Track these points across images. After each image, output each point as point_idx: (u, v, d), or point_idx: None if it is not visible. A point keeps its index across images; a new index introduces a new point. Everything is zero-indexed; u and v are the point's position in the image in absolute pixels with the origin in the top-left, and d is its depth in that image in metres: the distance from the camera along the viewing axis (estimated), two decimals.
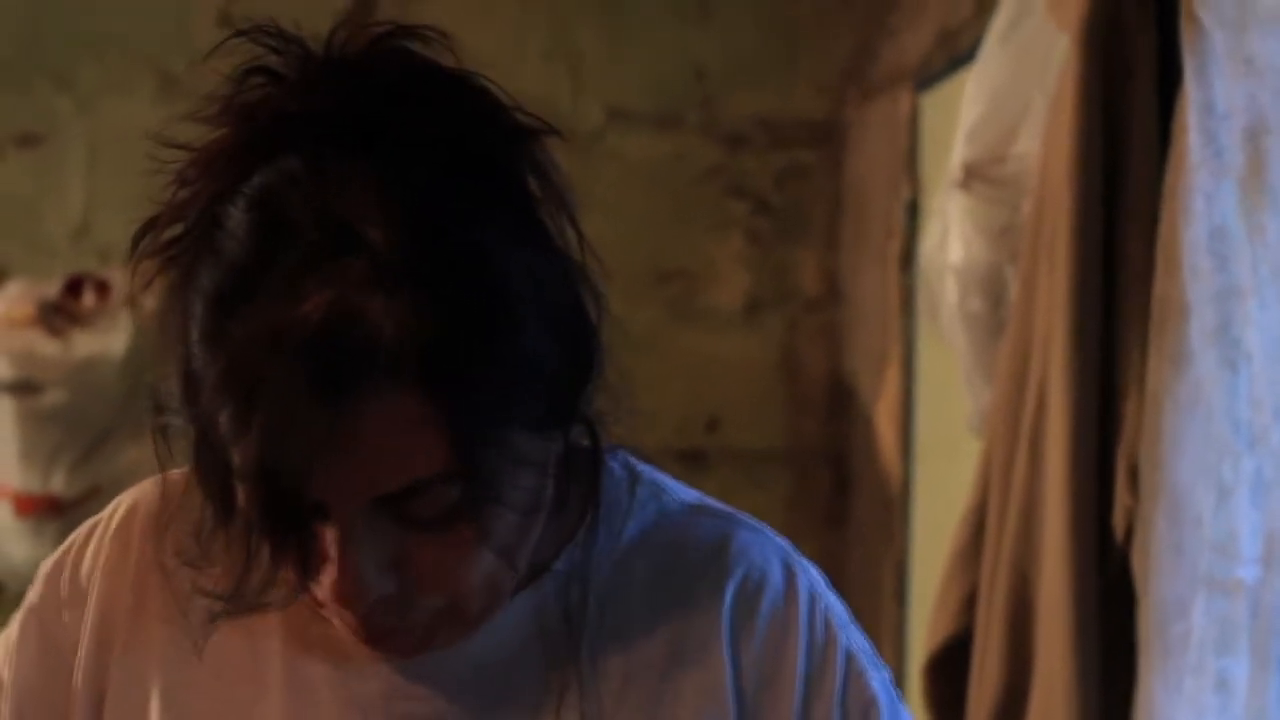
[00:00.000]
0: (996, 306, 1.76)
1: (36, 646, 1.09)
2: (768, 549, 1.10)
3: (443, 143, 0.94)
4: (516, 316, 0.93)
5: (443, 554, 0.95)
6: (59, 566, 1.10)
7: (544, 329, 0.94)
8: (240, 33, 0.95)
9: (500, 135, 0.96)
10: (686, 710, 1.05)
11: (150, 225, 0.95)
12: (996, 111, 1.71)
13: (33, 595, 1.10)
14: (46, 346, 2.81)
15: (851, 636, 1.10)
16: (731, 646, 1.07)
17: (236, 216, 0.91)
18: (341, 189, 0.90)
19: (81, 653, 1.07)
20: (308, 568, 0.95)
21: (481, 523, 0.95)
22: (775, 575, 1.09)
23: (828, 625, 1.09)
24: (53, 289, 2.88)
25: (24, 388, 2.80)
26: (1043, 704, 1.44)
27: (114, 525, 1.09)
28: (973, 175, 1.74)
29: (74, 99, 3.24)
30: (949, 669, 1.60)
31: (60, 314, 2.84)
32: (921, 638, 1.80)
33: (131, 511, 1.08)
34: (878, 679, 1.10)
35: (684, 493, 1.13)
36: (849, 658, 1.09)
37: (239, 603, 1.00)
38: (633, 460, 1.12)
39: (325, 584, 0.95)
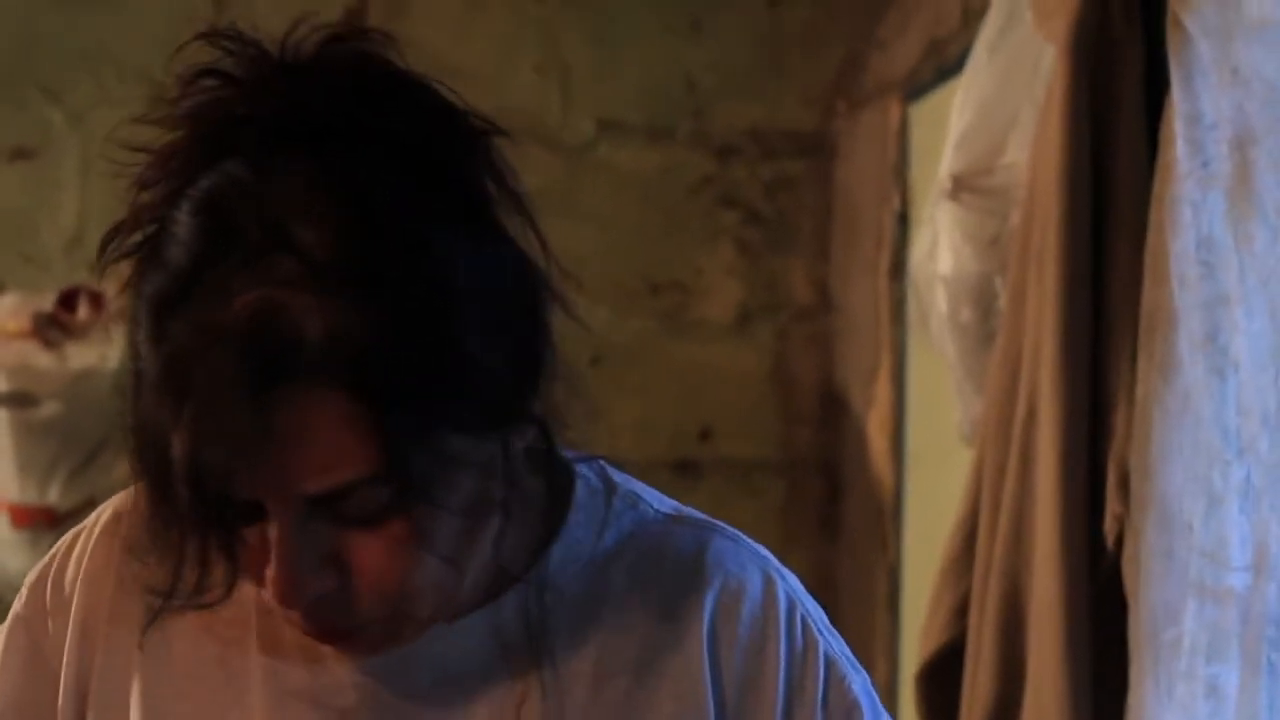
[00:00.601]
0: (986, 316, 1.77)
1: (23, 656, 1.09)
2: (745, 557, 1.11)
3: (389, 142, 0.94)
4: (455, 318, 0.92)
5: (381, 554, 0.95)
6: (43, 576, 1.11)
7: (485, 331, 0.94)
8: (200, 35, 0.96)
9: (449, 135, 0.96)
10: (662, 717, 1.06)
11: (115, 231, 0.96)
12: (985, 122, 1.72)
13: (18, 605, 1.11)
14: (41, 359, 2.81)
15: (831, 642, 1.10)
16: (711, 655, 1.07)
17: (181, 220, 0.92)
18: (281, 189, 0.91)
19: (65, 661, 1.08)
20: (250, 566, 0.96)
21: (417, 523, 0.94)
22: (754, 583, 1.09)
23: (806, 631, 1.09)
24: (47, 302, 2.88)
25: (19, 400, 2.80)
26: (1035, 711, 1.44)
27: (96, 533, 1.10)
28: (961, 186, 1.75)
29: (66, 112, 3.24)
30: (942, 677, 1.60)
31: (55, 327, 2.84)
32: (914, 646, 1.80)
33: (114, 519, 1.09)
34: (858, 683, 1.10)
35: (661, 502, 1.13)
36: (829, 663, 1.09)
37: (175, 600, 1.00)
38: (609, 470, 1.12)
39: (267, 582, 0.95)
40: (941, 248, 1.81)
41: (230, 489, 0.92)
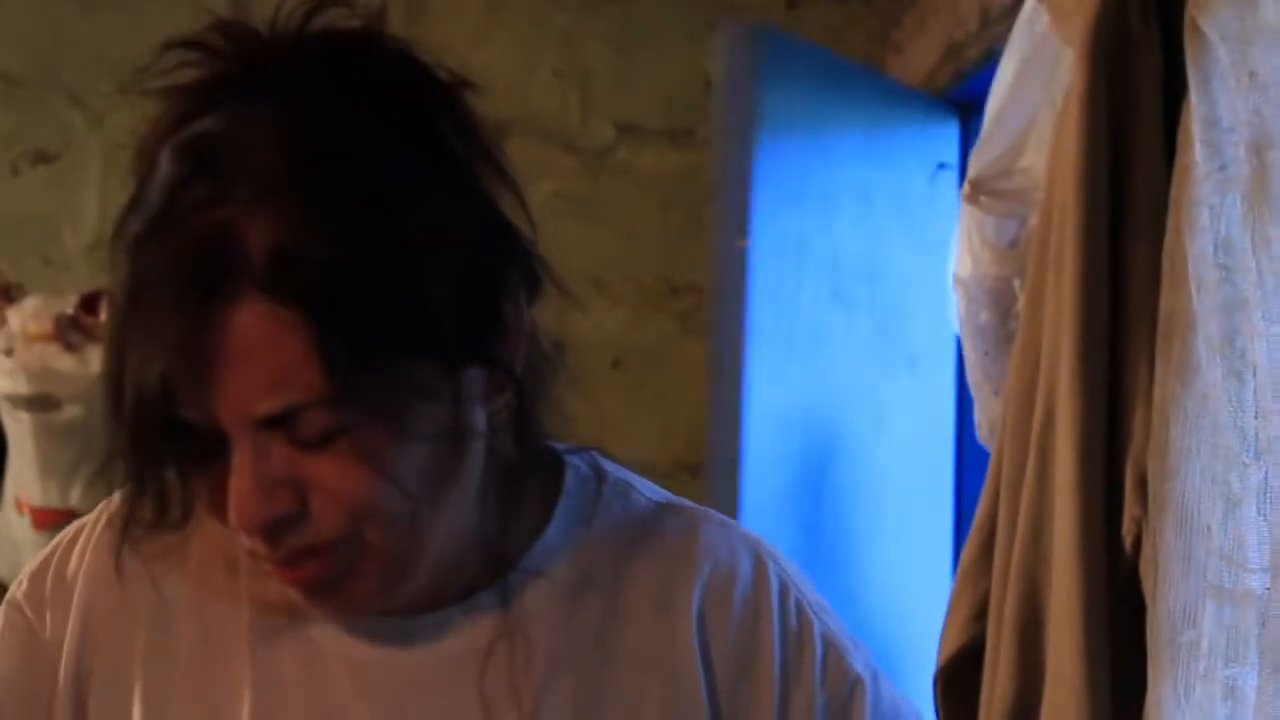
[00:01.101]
0: (1004, 318, 1.77)
1: (18, 639, 1.11)
2: (736, 542, 1.11)
3: (352, 90, 0.97)
4: (410, 246, 0.94)
5: (336, 475, 0.96)
6: (44, 565, 1.12)
7: (441, 264, 0.95)
8: (200, 36, 1.00)
9: (414, 85, 0.99)
10: (652, 704, 1.06)
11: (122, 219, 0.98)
12: (1002, 125, 1.73)
13: (17, 591, 1.12)
14: (63, 362, 2.82)
15: (827, 620, 1.11)
16: (701, 639, 1.08)
17: (160, 166, 0.96)
18: (247, 126, 0.95)
19: (65, 653, 1.09)
20: (214, 500, 0.97)
21: (371, 446, 0.95)
22: (744, 567, 1.10)
23: (800, 612, 1.10)
24: (69, 305, 2.89)
25: (41, 403, 2.81)
26: (1053, 712, 1.45)
27: (100, 527, 1.11)
28: (979, 188, 1.76)
29: (88, 116, 3.25)
30: (961, 678, 1.61)
31: (76, 330, 2.86)
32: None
33: (117, 513, 1.10)
34: (859, 659, 1.11)
35: (652, 491, 1.14)
36: (826, 643, 1.10)
37: (135, 526, 1.03)
38: (601, 460, 1.13)
39: (229, 508, 0.97)
40: (960, 250, 1.82)
41: (182, 409, 0.93)
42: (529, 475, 1.08)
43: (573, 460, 1.13)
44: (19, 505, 2.94)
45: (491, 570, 1.07)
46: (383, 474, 0.96)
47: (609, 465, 1.14)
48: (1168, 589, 1.37)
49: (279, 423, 0.94)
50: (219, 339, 0.91)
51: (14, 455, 3.03)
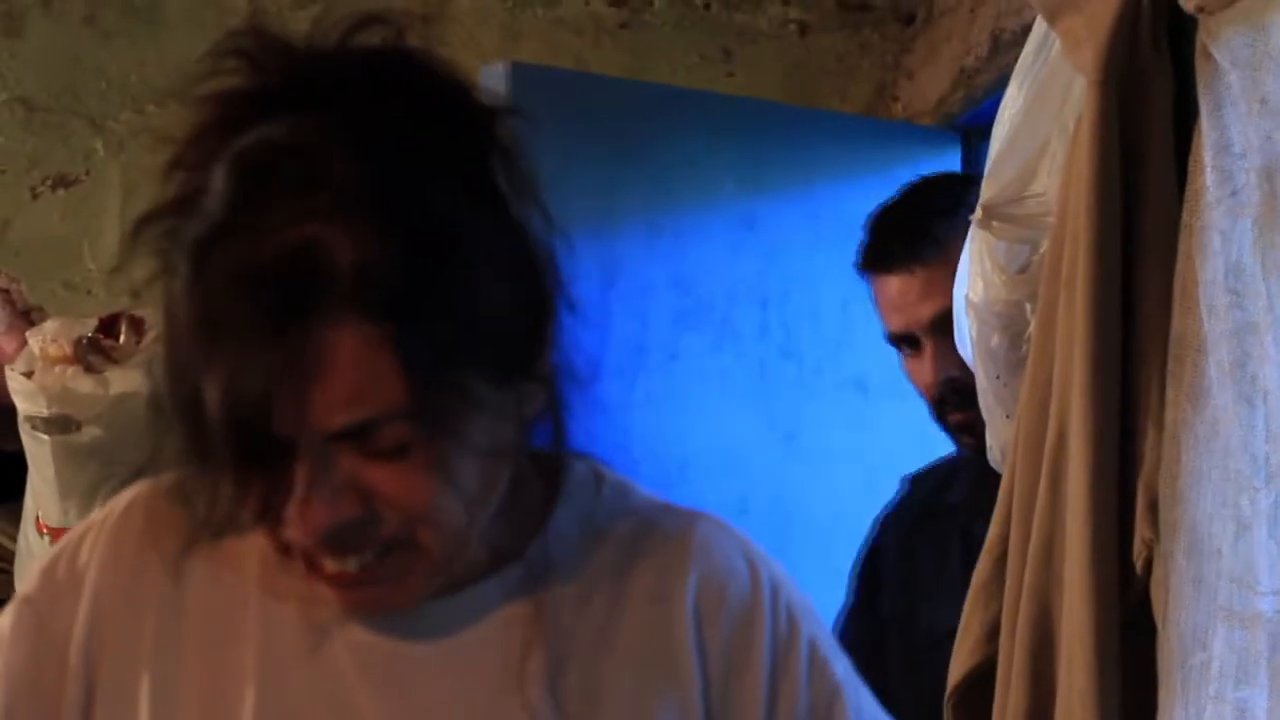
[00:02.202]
0: (1016, 343, 1.78)
1: (30, 636, 1.12)
2: (730, 543, 1.13)
3: (410, 113, 0.98)
4: (472, 265, 0.96)
5: (403, 483, 0.99)
6: (55, 560, 1.14)
7: (498, 283, 0.98)
8: (228, 38, 1.01)
9: (465, 112, 1.01)
10: (653, 695, 1.08)
11: (148, 217, 0.99)
12: (1014, 151, 1.74)
13: (28, 587, 1.14)
14: (83, 384, 2.83)
15: (813, 625, 1.13)
16: (697, 635, 1.09)
17: (217, 177, 0.96)
18: (313, 139, 0.95)
19: (74, 640, 1.10)
20: (272, 503, 0.98)
21: (439, 457, 0.98)
22: (739, 568, 1.12)
23: (790, 615, 1.12)
24: (89, 327, 2.90)
25: (61, 424, 2.82)
26: None
27: (111, 521, 1.13)
28: (991, 214, 1.77)
29: (108, 141, 3.28)
30: (972, 700, 1.61)
31: (96, 352, 2.87)
32: None
33: (129, 508, 1.12)
34: (841, 666, 1.13)
35: (649, 495, 1.16)
36: (812, 646, 1.12)
37: (211, 528, 1.04)
38: (600, 465, 1.15)
39: (290, 516, 0.98)
40: (972, 275, 1.83)
41: (264, 423, 0.94)
42: (534, 476, 1.10)
43: (575, 465, 1.15)
44: (39, 526, 2.95)
45: (496, 563, 1.08)
46: (446, 483, 0.98)
47: (608, 470, 1.16)
48: (1178, 611, 1.38)
49: (352, 434, 0.96)
50: (304, 354, 0.92)
51: (34, 476, 3.04)
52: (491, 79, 2.75)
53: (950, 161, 2.99)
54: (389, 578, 1.03)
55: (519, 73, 2.77)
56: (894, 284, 2.15)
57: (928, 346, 2.13)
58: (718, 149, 2.79)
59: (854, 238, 2.22)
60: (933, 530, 2.22)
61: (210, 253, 0.94)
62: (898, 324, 2.16)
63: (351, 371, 0.93)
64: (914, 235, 2.14)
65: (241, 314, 0.92)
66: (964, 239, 2.03)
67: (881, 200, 2.22)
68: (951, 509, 2.23)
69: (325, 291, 0.92)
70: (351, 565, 1.01)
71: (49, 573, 1.14)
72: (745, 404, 2.80)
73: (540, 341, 1.02)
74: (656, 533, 1.13)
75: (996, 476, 2.09)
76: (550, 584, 1.10)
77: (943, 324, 2.10)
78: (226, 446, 0.95)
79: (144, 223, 1.00)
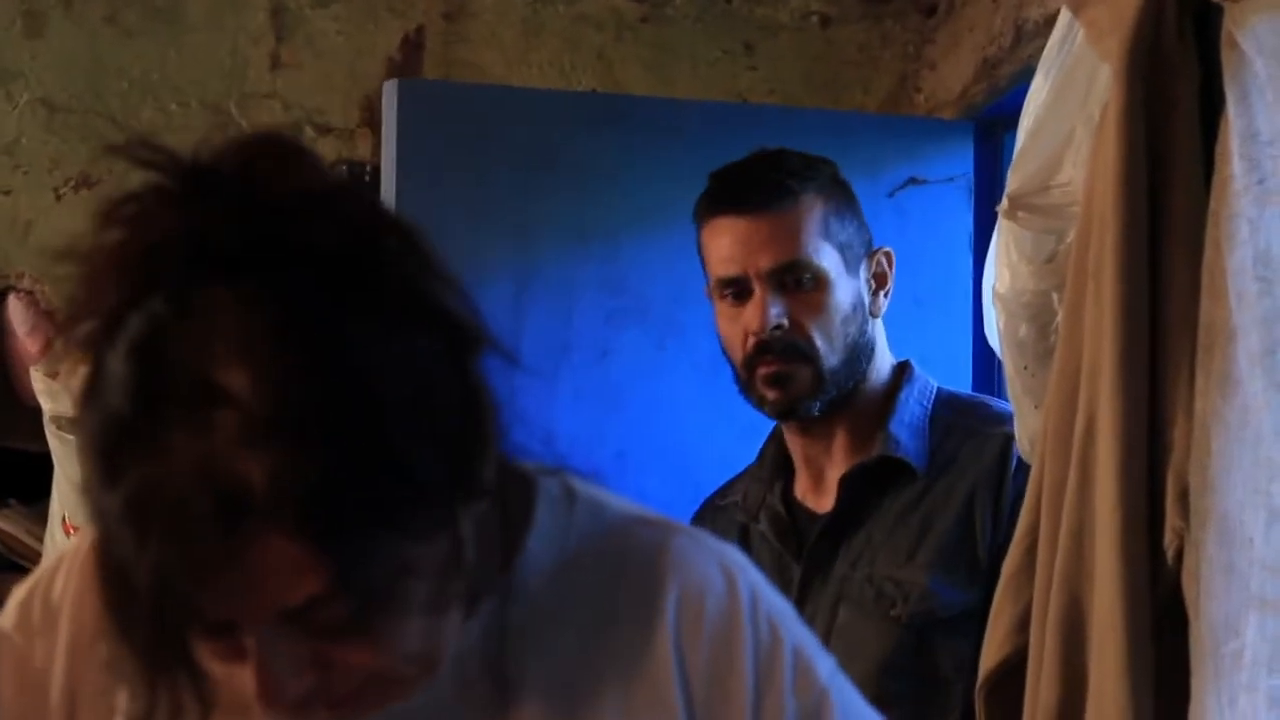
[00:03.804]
0: (1044, 333, 1.78)
1: (11, 667, 1.12)
2: (705, 555, 1.13)
3: (306, 261, 0.94)
4: (392, 439, 0.94)
5: (356, 653, 0.98)
6: (31, 594, 1.13)
7: (424, 443, 0.95)
8: (115, 149, 0.98)
9: (368, 242, 0.97)
10: (635, 715, 1.07)
11: (64, 324, 0.97)
12: (1040, 141, 1.73)
13: (6, 620, 1.13)
14: None
15: (795, 632, 1.12)
16: (677, 652, 1.09)
17: (115, 365, 0.93)
18: (206, 334, 0.92)
19: (54, 680, 1.10)
20: (233, 664, 0.98)
21: (381, 630, 0.98)
22: (716, 580, 1.11)
23: (771, 624, 1.11)
24: None
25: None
26: None
27: (82, 555, 1.12)
28: (1017, 204, 1.76)
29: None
30: (1004, 690, 1.61)
31: None
32: None
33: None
34: (825, 669, 1.12)
35: (623, 507, 1.15)
36: (795, 653, 1.11)
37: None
38: (572, 480, 1.14)
39: (248, 686, 0.97)
40: (999, 265, 1.83)
41: (195, 620, 0.95)
42: (503, 504, 1.09)
43: (544, 483, 1.14)
44: (65, 527, 2.96)
45: (470, 596, 1.08)
46: (398, 648, 0.99)
47: (580, 485, 1.15)
48: (1210, 600, 1.38)
49: (293, 614, 0.96)
50: (233, 561, 0.92)
51: (60, 477, 3.05)
52: (387, 96, 2.81)
53: (965, 156, 3.00)
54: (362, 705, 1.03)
55: (409, 90, 2.82)
56: (741, 227, 2.14)
57: (759, 292, 2.14)
58: (654, 151, 2.82)
59: None
60: (723, 524, 2.26)
61: (117, 459, 0.92)
62: (733, 269, 2.15)
63: (276, 570, 0.93)
64: (768, 184, 2.16)
65: (160, 531, 0.91)
66: (811, 205, 2.15)
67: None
68: (726, 508, 2.30)
69: (240, 511, 0.91)
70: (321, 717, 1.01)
71: (25, 610, 1.13)
72: (693, 399, 2.84)
73: (480, 460, 1.00)
74: (631, 551, 1.12)
75: (774, 461, 2.21)
76: (526, 614, 1.09)
77: (778, 275, 2.13)
78: (156, 646, 0.95)
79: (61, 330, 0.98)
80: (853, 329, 2.16)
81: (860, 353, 2.18)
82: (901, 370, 2.23)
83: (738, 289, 2.17)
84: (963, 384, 2.89)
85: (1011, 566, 1.62)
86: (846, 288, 2.16)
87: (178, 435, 0.91)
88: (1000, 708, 1.62)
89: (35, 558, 3.16)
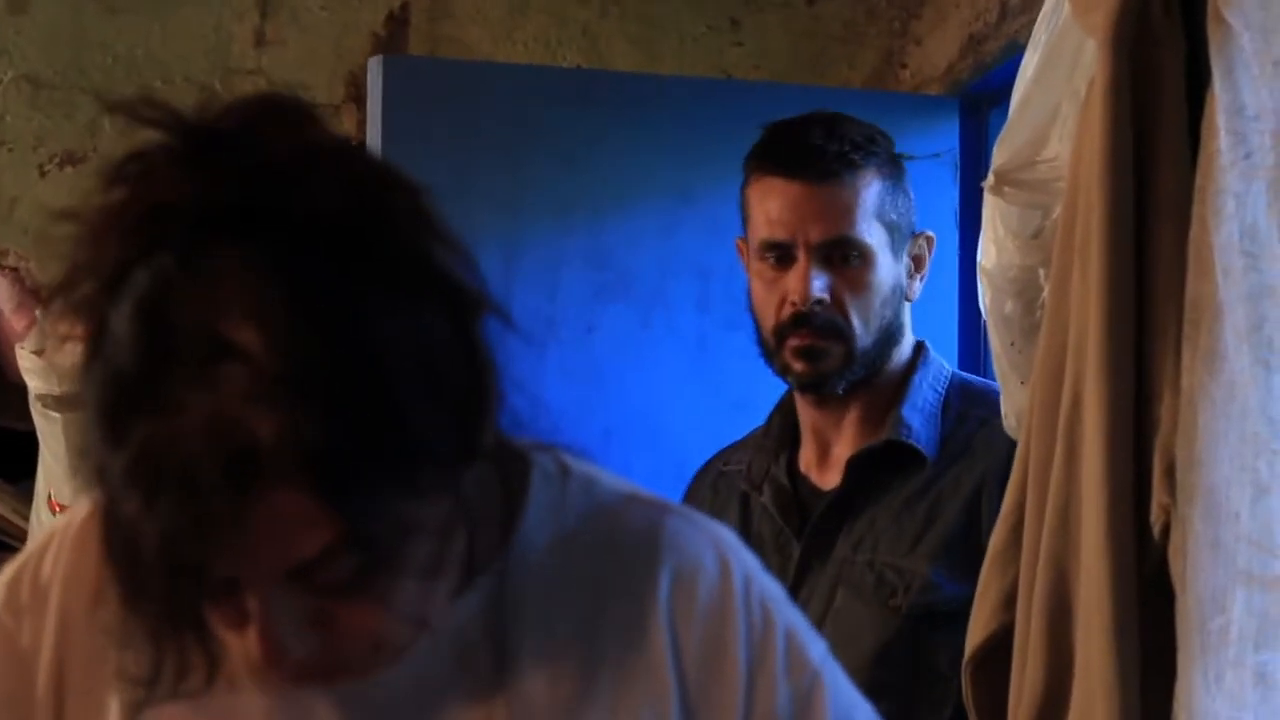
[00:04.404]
0: (1030, 309, 1.78)
1: (1, 651, 1.11)
2: (699, 536, 1.13)
3: (313, 221, 0.94)
4: (397, 396, 0.94)
5: (359, 613, 0.99)
6: (19, 574, 1.13)
7: (429, 403, 0.95)
8: (118, 107, 0.97)
9: (374, 203, 0.97)
10: (628, 693, 1.07)
11: (61, 287, 0.96)
12: (1026, 116, 1.73)
13: None
14: None
15: (788, 614, 1.12)
16: (671, 631, 1.09)
17: (120, 324, 0.92)
18: (215, 291, 0.91)
19: (43, 660, 1.10)
20: (235, 628, 0.98)
21: (386, 584, 0.98)
22: (709, 561, 1.11)
23: (764, 607, 1.11)
24: None
25: (73, 402, 2.83)
26: (1083, 699, 1.45)
27: (72, 533, 1.11)
28: (1003, 180, 1.76)
29: (115, 117, 3.27)
30: (990, 666, 1.61)
31: None
32: None
33: (90, 519, 1.10)
34: (817, 652, 1.12)
35: (618, 485, 1.15)
36: (788, 636, 1.11)
37: (157, 691, 1.02)
38: (565, 457, 1.14)
39: (251, 644, 0.98)
40: (985, 241, 1.83)
41: (202, 578, 0.94)
42: (497, 480, 1.09)
43: (538, 459, 1.14)
44: (51, 505, 2.96)
45: (464, 575, 1.08)
46: (398, 606, 0.99)
47: (574, 462, 1.15)
48: (1197, 576, 1.38)
49: (297, 573, 0.96)
50: (235, 520, 0.91)
51: (46, 455, 3.04)
52: (371, 73, 2.81)
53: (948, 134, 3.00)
54: (353, 672, 1.03)
55: (394, 66, 2.82)
56: (794, 191, 2.10)
57: (803, 262, 2.10)
58: (640, 127, 2.82)
59: None
60: (725, 490, 2.25)
61: (124, 414, 0.92)
62: (781, 233, 2.11)
63: (286, 527, 0.93)
64: (829, 153, 2.11)
65: (171, 488, 0.90)
66: (869, 181, 2.11)
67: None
68: (729, 475, 2.27)
69: (251, 469, 0.90)
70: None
71: (13, 588, 1.13)
72: (681, 375, 2.83)
73: (480, 431, 1.00)
74: (624, 529, 1.12)
75: (782, 432, 2.20)
76: (521, 594, 1.09)
77: (826, 249, 2.10)
78: (164, 604, 0.95)
79: (54, 295, 0.97)
80: (889, 311, 2.14)
81: (892, 335, 2.15)
82: (918, 352, 2.21)
83: (781, 254, 2.13)
84: (948, 359, 2.89)
85: (998, 543, 1.62)
86: (889, 268, 2.14)
87: (185, 391, 0.90)
88: (986, 684, 1.62)
89: (22, 537, 3.16)
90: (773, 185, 2.14)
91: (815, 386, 2.15)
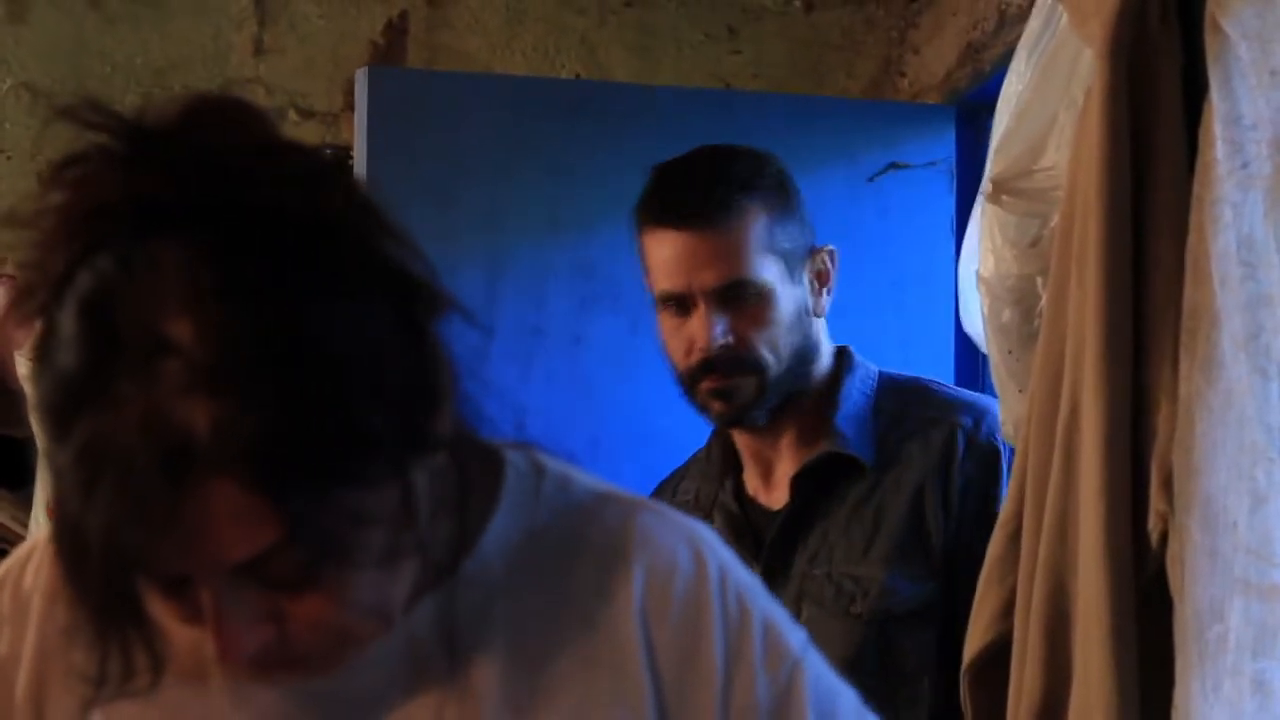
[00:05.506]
0: (1027, 317, 1.78)
1: None
2: (672, 532, 1.12)
3: (253, 216, 0.94)
4: (337, 388, 0.94)
5: (313, 607, 0.99)
6: (1, 583, 1.13)
7: (371, 392, 0.95)
8: (62, 112, 0.97)
9: (315, 197, 0.97)
10: (596, 691, 1.07)
11: (21, 293, 0.97)
12: (1024, 124, 1.73)
13: None
14: None
15: (764, 606, 1.12)
16: (644, 630, 1.08)
17: (65, 324, 0.94)
18: (154, 287, 0.92)
19: (22, 669, 1.10)
20: (191, 624, 0.98)
21: (334, 581, 0.98)
22: (683, 556, 1.11)
23: (740, 599, 1.11)
24: None
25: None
26: (1081, 709, 1.45)
27: (51, 547, 1.11)
28: (1001, 188, 1.76)
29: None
30: (988, 675, 1.61)
31: None
32: None
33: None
34: (796, 642, 1.12)
35: (591, 483, 1.15)
36: (765, 627, 1.11)
37: (104, 690, 1.01)
38: (539, 455, 1.14)
39: (207, 645, 0.98)
40: (982, 250, 1.83)
41: (148, 574, 0.95)
42: (469, 477, 1.08)
43: (512, 457, 1.14)
44: (49, 512, 2.96)
45: (434, 573, 1.07)
46: (353, 598, 0.99)
47: (549, 461, 1.15)
48: (1195, 585, 1.38)
49: (246, 567, 0.96)
50: (174, 514, 0.91)
51: (43, 461, 3.04)
52: (359, 84, 2.83)
53: (943, 140, 3.00)
54: (314, 666, 1.03)
55: (381, 78, 2.83)
56: (683, 242, 2.10)
57: (702, 309, 2.10)
58: (628, 138, 2.82)
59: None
60: None
61: (68, 412, 0.92)
62: (676, 284, 2.11)
63: (227, 521, 0.93)
64: (712, 198, 2.10)
65: (107, 483, 0.91)
66: (755, 217, 2.10)
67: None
68: (681, 505, 2.24)
69: (187, 464, 0.90)
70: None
71: None
72: (668, 385, 2.85)
73: (428, 420, 0.99)
74: (596, 527, 1.12)
75: (722, 461, 2.20)
76: (490, 593, 1.09)
77: (722, 294, 2.10)
78: (106, 601, 0.95)
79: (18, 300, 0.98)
80: (796, 336, 2.14)
81: (804, 357, 2.16)
82: (841, 358, 2.21)
83: (679, 303, 2.14)
84: (945, 369, 2.89)
85: (995, 552, 1.62)
86: (789, 296, 2.14)
87: (124, 386, 0.91)
88: (985, 694, 1.62)
89: (20, 543, 3.15)
90: (663, 237, 2.15)
91: (736, 422, 2.18)
